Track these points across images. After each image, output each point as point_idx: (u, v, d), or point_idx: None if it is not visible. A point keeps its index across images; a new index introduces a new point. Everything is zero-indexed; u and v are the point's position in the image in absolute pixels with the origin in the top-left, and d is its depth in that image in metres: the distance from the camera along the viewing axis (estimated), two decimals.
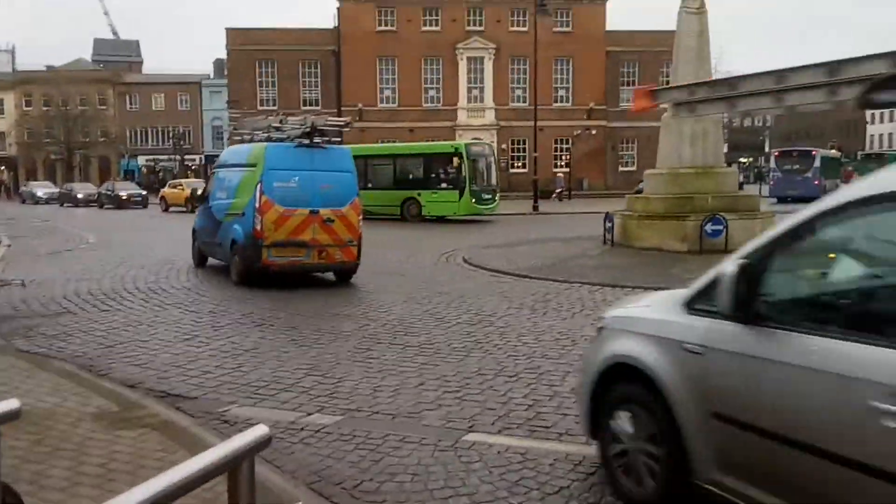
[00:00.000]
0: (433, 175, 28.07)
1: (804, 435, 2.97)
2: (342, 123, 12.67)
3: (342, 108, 50.57)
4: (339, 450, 4.79)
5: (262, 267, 11.48)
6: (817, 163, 41.92)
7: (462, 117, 51.86)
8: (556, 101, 52.20)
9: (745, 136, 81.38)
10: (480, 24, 51.31)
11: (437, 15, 50.90)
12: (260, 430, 1.95)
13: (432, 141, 34.44)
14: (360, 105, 50.08)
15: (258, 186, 11.27)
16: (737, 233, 14.80)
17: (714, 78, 19.84)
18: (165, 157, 64.46)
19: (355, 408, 5.68)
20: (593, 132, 51.54)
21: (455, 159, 27.46)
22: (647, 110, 7.98)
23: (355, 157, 12.63)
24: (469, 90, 52.20)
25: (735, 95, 5.50)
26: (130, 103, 67.46)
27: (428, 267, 14.57)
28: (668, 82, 42.55)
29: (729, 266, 3.23)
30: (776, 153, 47.29)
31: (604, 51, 52.38)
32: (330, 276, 12.58)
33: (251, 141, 13.16)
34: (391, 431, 5.09)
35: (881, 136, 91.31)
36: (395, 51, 50.70)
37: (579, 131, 51.49)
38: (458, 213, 27.16)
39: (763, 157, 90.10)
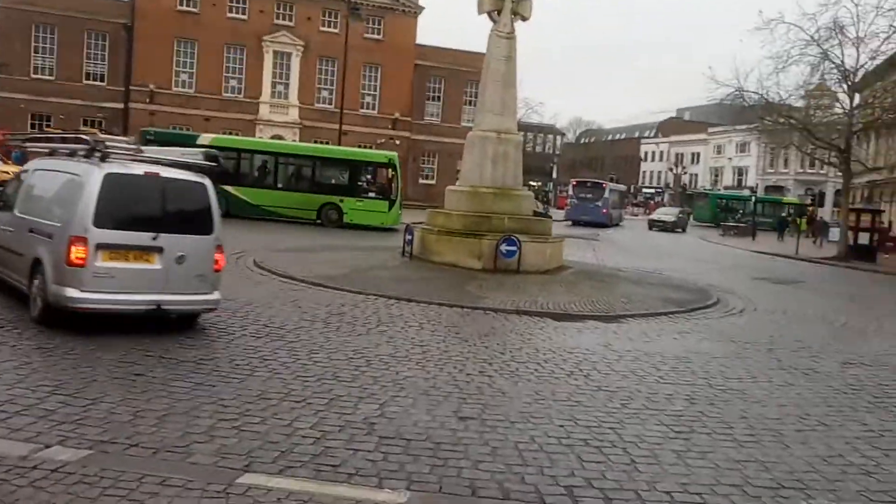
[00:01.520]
0: (359, 182, 27.52)
1: None
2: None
3: (131, 88, 46.64)
4: (79, 497, 3.91)
5: None
6: (607, 193, 48.15)
7: (264, 112, 49.85)
8: (362, 107, 51.82)
9: (536, 160, 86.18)
10: (290, 20, 49.70)
11: (244, 3, 48.54)
12: None
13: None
14: (151, 86, 46.42)
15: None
16: (529, 254, 15.23)
17: (518, 101, 20.53)
18: None
19: (108, 439, 4.76)
20: (397, 142, 51.81)
21: (389, 170, 27.55)
22: None
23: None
24: (273, 85, 50.29)
25: None
26: None
27: None
28: (474, 101, 43.59)
29: None
30: (574, 182, 53.07)
31: (412, 63, 52.89)
32: None
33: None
34: (150, 471, 4.27)
35: (651, 172, 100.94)
36: (195, 34, 47.56)
37: (383, 140, 51.50)
38: (385, 224, 26.43)
39: (552, 183, 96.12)
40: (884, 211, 41.10)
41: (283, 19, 49.87)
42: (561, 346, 8.94)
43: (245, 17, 48.88)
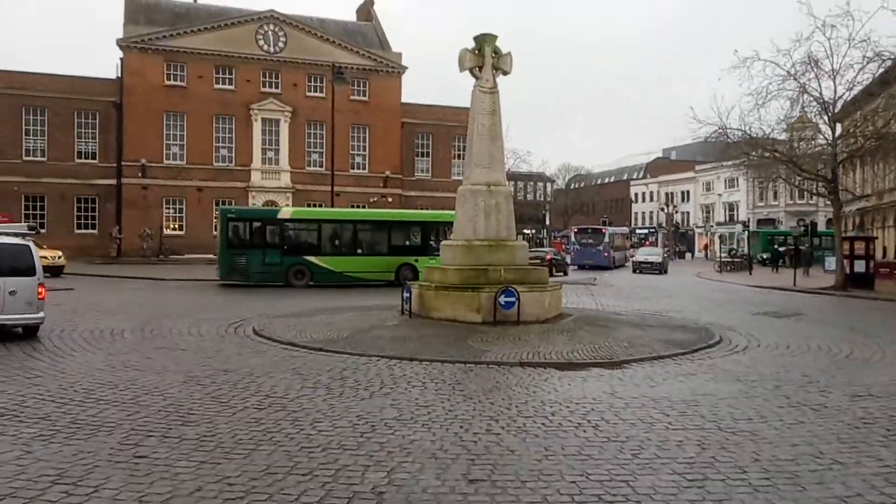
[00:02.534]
0: (430, 242, 28.86)
1: None
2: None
3: (123, 164, 47.12)
4: None
5: None
6: (607, 238, 51.23)
7: (256, 178, 50.32)
8: (353, 168, 52.37)
9: (528, 209, 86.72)
10: (276, 87, 50.56)
11: (230, 73, 49.46)
12: None
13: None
14: (143, 161, 46.93)
15: None
16: (528, 304, 15.20)
17: (505, 153, 20.79)
18: None
19: None
20: (389, 199, 52.21)
21: (446, 227, 28.26)
22: None
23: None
24: (264, 151, 50.89)
25: None
26: None
27: (213, 338, 13.36)
28: (462, 155, 44.05)
29: None
30: (575, 230, 56.63)
31: (399, 121, 53.67)
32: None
33: None
34: None
35: (643, 213, 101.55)
36: (184, 106, 48.29)
37: (375, 198, 51.90)
38: None
39: (545, 230, 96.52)
40: (877, 238, 41.30)
41: (270, 87, 50.72)
42: (567, 397, 8.85)
43: (232, 87, 49.71)
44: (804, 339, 14.61)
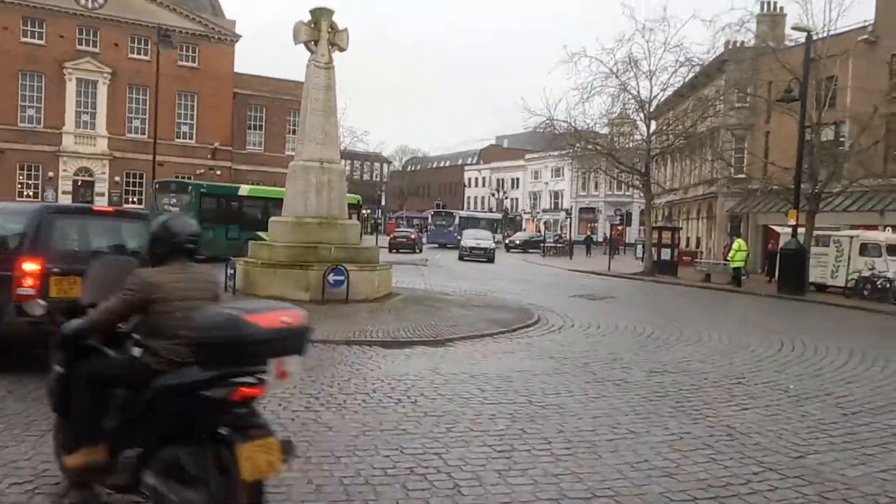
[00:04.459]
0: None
1: None
2: None
3: None
4: None
5: None
6: (457, 220, 60.28)
7: (68, 142, 46.45)
8: (178, 137, 49.71)
9: (365, 188, 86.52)
10: (94, 45, 46.81)
11: (41, 27, 45.18)
12: None
13: None
14: None
15: None
16: (358, 284, 15.21)
17: (340, 129, 20.55)
18: None
19: None
20: (218, 172, 50.12)
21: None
22: None
23: None
24: (78, 114, 47.03)
25: None
26: None
27: None
28: (294, 130, 43.17)
29: None
30: (431, 212, 67.51)
31: (231, 91, 51.55)
32: None
33: None
34: None
35: (475, 198, 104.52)
36: None
37: (202, 170, 49.63)
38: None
39: (380, 210, 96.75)
40: (682, 228, 45.14)
41: (87, 45, 46.94)
42: (390, 374, 8.95)
43: (43, 41, 45.52)
44: (614, 319, 15.70)
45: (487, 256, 40.10)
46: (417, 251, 45.25)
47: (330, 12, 16.87)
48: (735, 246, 28.82)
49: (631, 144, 36.59)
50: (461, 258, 40.55)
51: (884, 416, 7.98)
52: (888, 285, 23.23)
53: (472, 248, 41.23)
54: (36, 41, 45.17)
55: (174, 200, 29.78)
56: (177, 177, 42.09)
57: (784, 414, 7.88)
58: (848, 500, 5.34)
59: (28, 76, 45.41)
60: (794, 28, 26.95)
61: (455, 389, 8.29)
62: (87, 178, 47.34)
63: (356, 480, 5.20)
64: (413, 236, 48.13)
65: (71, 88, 46.47)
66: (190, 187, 30.26)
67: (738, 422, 7.40)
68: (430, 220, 64.74)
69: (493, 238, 45.82)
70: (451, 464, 5.65)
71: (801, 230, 25.51)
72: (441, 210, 65.74)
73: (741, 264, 28.19)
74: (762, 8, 36.90)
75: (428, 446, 6.08)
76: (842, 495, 5.42)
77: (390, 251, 42.05)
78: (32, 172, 46.08)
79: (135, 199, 48.18)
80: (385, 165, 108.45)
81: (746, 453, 6.31)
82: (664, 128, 35.73)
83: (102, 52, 46.87)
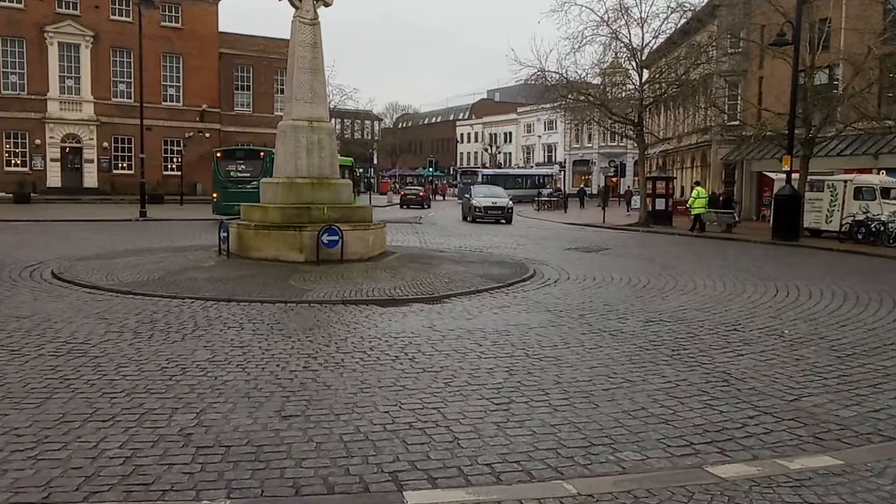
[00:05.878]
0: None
1: None
2: None
3: None
4: None
5: None
6: (479, 178, 63.98)
7: (54, 109, 45.80)
8: (165, 100, 49.03)
9: (356, 147, 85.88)
10: (75, 8, 45.86)
11: None
12: None
13: None
14: None
15: None
16: (352, 243, 15.17)
17: (329, 87, 20.26)
18: None
19: None
20: (207, 135, 49.61)
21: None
22: None
23: None
24: (62, 80, 46.28)
25: None
26: None
27: (3, 283, 12.18)
28: (283, 89, 42.78)
29: None
30: (461, 170, 76.91)
31: (217, 52, 50.71)
32: None
33: None
34: None
35: (468, 153, 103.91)
36: None
37: (191, 133, 49.13)
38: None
39: (372, 169, 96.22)
40: (676, 178, 45.02)
41: (67, 7, 46.02)
42: (386, 332, 8.98)
43: (21, 5, 44.61)
44: (609, 271, 15.74)
45: (505, 217, 34.80)
46: (426, 206, 51.51)
47: None
48: (693, 194, 30.73)
49: (623, 94, 36.28)
50: (474, 220, 34.50)
51: (876, 358, 8.07)
52: (882, 228, 23.30)
53: (486, 209, 34.58)
54: (15, 5, 44.23)
55: (242, 167, 30.00)
56: (164, 140, 41.74)
57: (779, 358, 7.95)
58: (842, 439, 5.42)
59: (8, 42, 44.57)
60: None
61: (452, 345, 8.33)
62: (74, 145, 46.82)
63: (356, 437, 5.24)
64: (422, 193, 55.33)
65: (53, 53, 45.66)
66: (262, 153, 30.24)
67: (734, 367, 7.47)
68: (458, 179, 74.87)
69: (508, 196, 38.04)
70: (449, 417, 5.69)
71: (795, 176, 25.47)
72: (467, 169, 78.14)
73: (702, 210, 29.84)
74: None
75: (426, 401, 6.12)
76: (835, 435, 5.49)
77: (401, 207, 50.43)
78: (19, 141, 45.55)
79: (124, 165, 47.74)
80: (376, 123, 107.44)
81: (742, 398, 6.38)
82: (657, 76, 35.40)
83: (83, 15, 45.94)
